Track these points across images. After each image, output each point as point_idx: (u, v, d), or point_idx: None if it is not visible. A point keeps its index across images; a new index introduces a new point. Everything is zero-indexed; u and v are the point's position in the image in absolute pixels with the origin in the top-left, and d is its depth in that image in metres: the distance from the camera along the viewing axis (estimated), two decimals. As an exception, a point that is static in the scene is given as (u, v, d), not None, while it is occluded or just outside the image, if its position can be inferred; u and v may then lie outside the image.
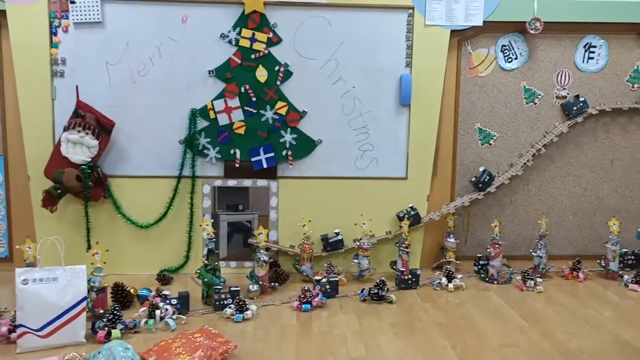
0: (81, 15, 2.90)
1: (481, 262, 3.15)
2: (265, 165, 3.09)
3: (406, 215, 3.12)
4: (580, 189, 3.40)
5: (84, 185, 2.88)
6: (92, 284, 2.45)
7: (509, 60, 3.25)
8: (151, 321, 2.37)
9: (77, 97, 2.92)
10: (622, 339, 2.37)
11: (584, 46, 3.27)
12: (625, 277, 3.07)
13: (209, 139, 3.05)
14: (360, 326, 2.47)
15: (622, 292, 2.95)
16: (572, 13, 3.16)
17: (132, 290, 2.66)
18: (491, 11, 3.10)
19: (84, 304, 2.26)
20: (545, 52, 3.26)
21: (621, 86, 3.31)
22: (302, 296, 2.65)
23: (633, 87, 3.32)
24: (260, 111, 3.05)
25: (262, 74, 3.02)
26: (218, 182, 3.11)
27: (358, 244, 3.06)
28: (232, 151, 3.07)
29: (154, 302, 2.43)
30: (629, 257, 3.26)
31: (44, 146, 2.94)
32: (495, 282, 3.05)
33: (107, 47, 2.95)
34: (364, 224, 3.04)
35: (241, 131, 3.06)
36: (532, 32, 3.13)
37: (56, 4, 2.89)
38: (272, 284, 2.88)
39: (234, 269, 3.16)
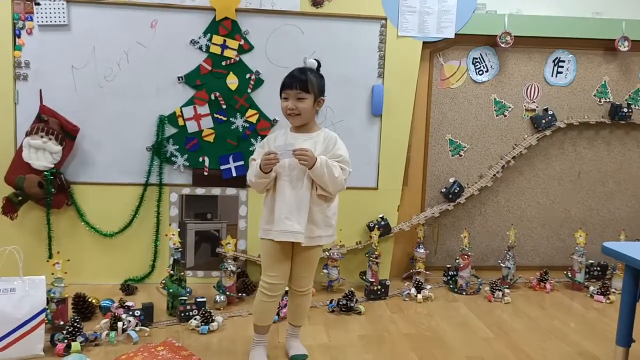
0: (46, 17, 2.82)
1: (450, 273, 3.16)
2: (234, 174, 3.04)
3: (376, 226, 3.11)
4: (548, 201, 3.44)
5: (46, 192, 2.80)
6: (52, 295, 2.38)
7: (480, 72, 3.28)
8: (113, 333, 2.31)
9: (41, 101, 2.84)
10: (586, 350, 2.40)
11: (553, 61, 3.32)
12: (591, 288, 3.11)
13: (177, 146, 3.00)
14: (328, 338, 2.45)
15: (587, 303, 2.99)
16: (542, 28, 3.22)
17: (94, 301, 2.59)
18: (463, 24, 3.12)
19: (42, 316, 2.18)
20: (515, 65, 3.30)
21: (588, 100, 3.37)
22: (270, 307, 2.61)
23: (600, 101, 3.38)
24: (231, 119, 3.01)
25: (232, 82, 2.99)
26: (186, 190, 3.06)
27: (328, 254, 3.04)
28: (200, 159, 3.02)
29: (116, 314, 2.37)
30: (595, 268, 3.31)
31: (5, 151, 2.85)
32: (464, 293, 3.07)
33: (73, 50, 2.87)
34: (334, 234, 3.02)
35: (210, 139, 3.01)
36: (502, 45, 3.17)
37: (20, 5, 2.81)
38: (240, 294, 2.84)
39: (202, 279, 3.10)
